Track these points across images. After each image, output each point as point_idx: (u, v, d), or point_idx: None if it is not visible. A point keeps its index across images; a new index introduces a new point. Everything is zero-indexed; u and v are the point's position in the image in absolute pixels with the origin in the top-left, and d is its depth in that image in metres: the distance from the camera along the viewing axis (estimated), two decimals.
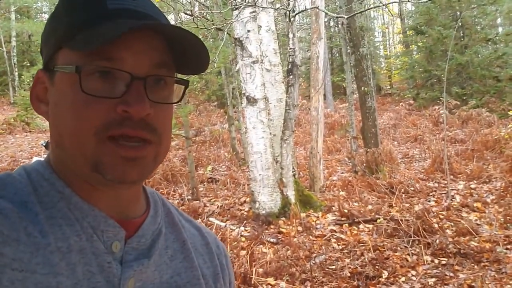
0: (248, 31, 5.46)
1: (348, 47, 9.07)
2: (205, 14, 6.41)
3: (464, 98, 14.42)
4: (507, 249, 4.25)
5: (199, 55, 0.59)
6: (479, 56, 15.64)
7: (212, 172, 8.60)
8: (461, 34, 15.81)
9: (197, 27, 5.50)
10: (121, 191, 0.59)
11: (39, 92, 0.61)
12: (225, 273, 0.72)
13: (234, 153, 9.74)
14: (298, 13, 6.60)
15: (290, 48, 5.69)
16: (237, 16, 5.43)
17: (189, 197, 6.63)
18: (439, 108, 12.67)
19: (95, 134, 0.54)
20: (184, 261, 0.66)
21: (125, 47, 0.54)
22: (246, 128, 5.75)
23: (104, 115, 0.54)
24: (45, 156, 0.64)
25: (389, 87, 24.69)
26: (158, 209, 0.66)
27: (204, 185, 7.54)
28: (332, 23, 21.16)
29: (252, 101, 5.49)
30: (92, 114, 0.53)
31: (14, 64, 18.66)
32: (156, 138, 0.57)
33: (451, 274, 3.84)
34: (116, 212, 0.59)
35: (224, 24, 5.75)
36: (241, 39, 5.46)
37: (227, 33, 5.70)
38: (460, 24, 14.67)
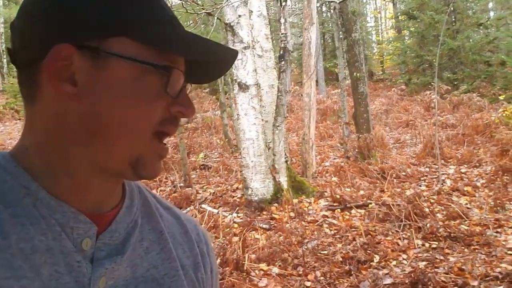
0: (239, 16, 5.39)
1: (340, 32, 9.02)
2: None
3: (456, 83, 14.46)
4: (497, 232, 4.31)
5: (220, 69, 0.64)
6: (471, 40, 15.64)
7: (204, 159, 8.59)
8: (453, 19, 15.77)
9: (187, 12, 5.42)
10: (108, 183, 0.58)
11: (61, 69, 0.51)
12: (206, 261, 0.69)
13: (227, 140, 9.72)
14: None
15: (282, 34, 5.64)
16: (227, 0, 5.35)
17: (182, 184, 6.62)
18: (430, 93, 12.70)
19: (150, 129, 0.55)
20: (161, 252, 0.62)
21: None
22: (238, 114, 5.72)
23: (162, 112, 0.55)
24: None
25: (381, 72, 24.69)
26: (134, 198, 0.63)
27: (196, 172, 7.53)
28: (324, 8, 21.02)
29: (243, 87, 5.46)
30: (153, 110, 0.55)
31: (2, 51, 18.35)
32: None
33: (442, 258, 3.89)
34: (88, 206, 0.56)
35: (215, 9, 5.67)
36: (232, 24, 5.40)
37: (218, 18, 5.63)
38: (452, 8, 14.61)
